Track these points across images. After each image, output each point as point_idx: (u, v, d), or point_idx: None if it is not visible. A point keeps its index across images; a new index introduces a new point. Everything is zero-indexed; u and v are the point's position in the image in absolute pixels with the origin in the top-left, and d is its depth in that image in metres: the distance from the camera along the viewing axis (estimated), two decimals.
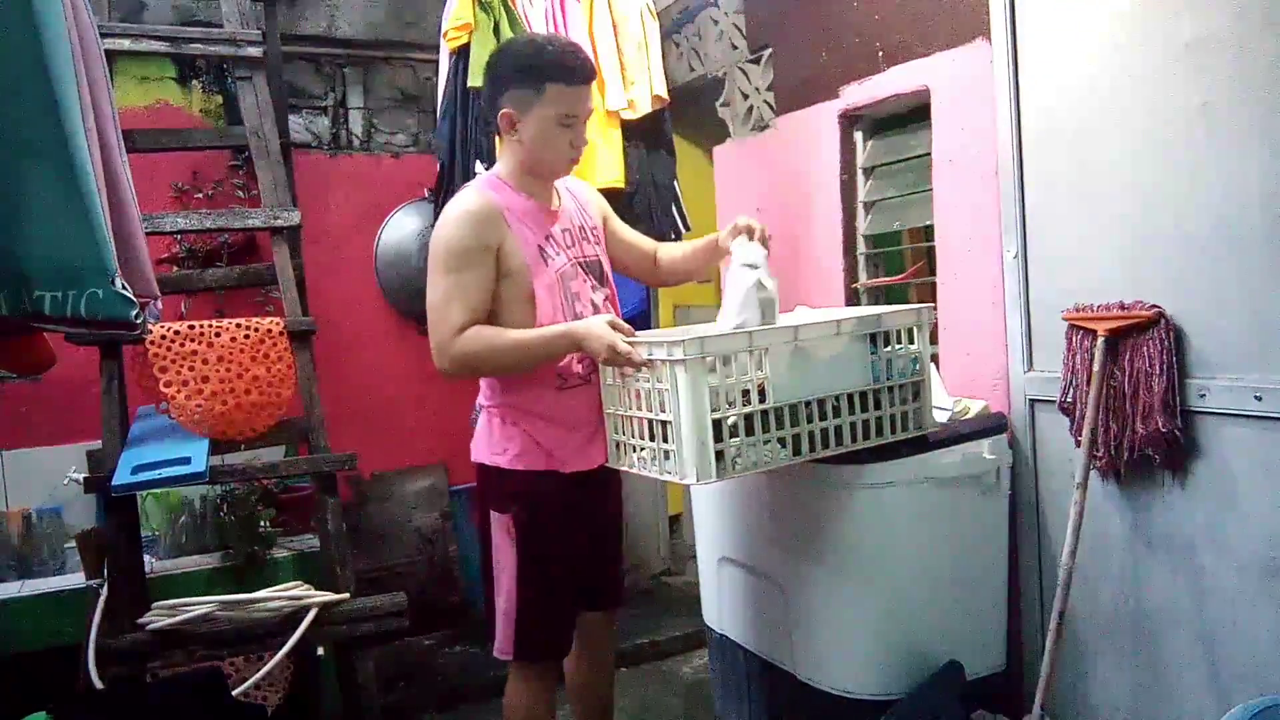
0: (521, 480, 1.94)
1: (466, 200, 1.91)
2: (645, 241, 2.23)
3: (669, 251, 2.21)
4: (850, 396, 1.86)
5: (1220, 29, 1.66)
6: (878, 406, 1.90)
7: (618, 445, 1.93)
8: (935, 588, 2.00)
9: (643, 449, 1.84)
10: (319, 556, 2.65)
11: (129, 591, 2.28)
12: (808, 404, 1.81)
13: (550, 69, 1.87)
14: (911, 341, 1.95)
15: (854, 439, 1.87)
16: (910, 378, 1.94)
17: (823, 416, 1.83)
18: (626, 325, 1.82)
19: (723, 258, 2.05)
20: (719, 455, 1.71)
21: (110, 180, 1.56)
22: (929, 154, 2.32)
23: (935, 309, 2.29)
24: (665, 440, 1.75)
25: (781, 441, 1.79)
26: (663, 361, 1.71)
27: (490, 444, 1.99)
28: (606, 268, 2.09)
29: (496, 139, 2.00)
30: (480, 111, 2.74)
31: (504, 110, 1.90)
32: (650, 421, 1.80)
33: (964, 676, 1.96)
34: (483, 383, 2.02)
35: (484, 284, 1.87)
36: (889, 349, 1.92)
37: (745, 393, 1.76)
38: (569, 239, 1.99)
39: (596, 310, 1.98)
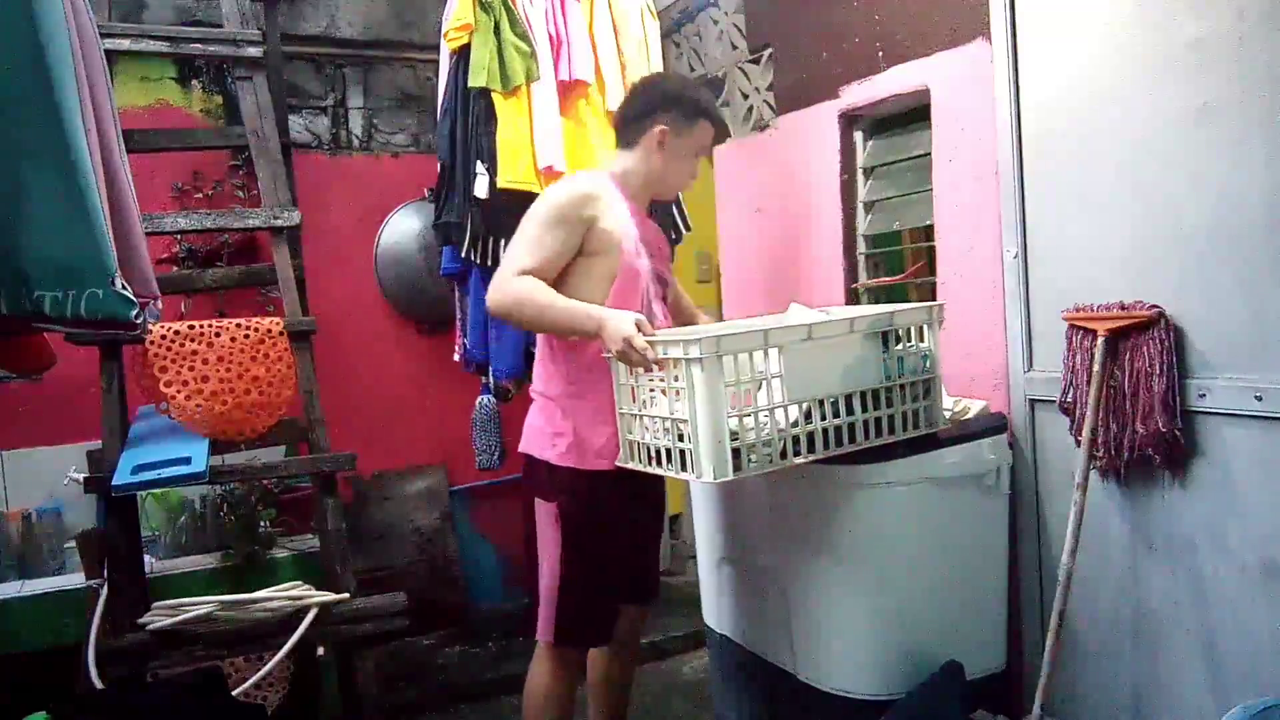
0: (569, 475, 2.02)
1: (578, 177, 2.11)
2: (681, 298, 2.35)
3: (676, 307, 2.31)
4: (863, 394, 1.87)
5: (1220, 29, 1.65)
6: (889, 404, 1.91)
7: (630, 445, 1.93)
8: (935, 587, 2.00)
9: (655, 448, 1.85)
10: (319, 556, 2.65)
11: (129, 591, 2.28)
12: (820, 402, 1.81)
13: (707, 109, 2.12)
14: (922, 339, 1.96)
15: (866, 436, 1.88)
16: (921, 375, 1.95)
17: (835, 414, 1.84)
18: (649, 326, 1.85)
19: None
20: (735, 453, 1.72)
21: (110, 180, 1.55)
22: (929, 154, 2.31)
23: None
24: (680, 439, 1.76)
25: (795, 439, 1.80)
26: (679, 360, 1.72)
27: (541, 438, 2.06)
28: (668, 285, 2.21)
29: (618, 147, 2.19)
30: (480, 111, 2.74)
31: (661, 127, 2.07)
32: (664, 420, 1.80)
33: (964, 676, 1.96)
34: (541, 368, 2.10)
35: (562, 248, 1.96)
36: (900, 346, 1.93)
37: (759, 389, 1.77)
38: (652, 249, 2.11)
39: (662, 323, 2.08)
